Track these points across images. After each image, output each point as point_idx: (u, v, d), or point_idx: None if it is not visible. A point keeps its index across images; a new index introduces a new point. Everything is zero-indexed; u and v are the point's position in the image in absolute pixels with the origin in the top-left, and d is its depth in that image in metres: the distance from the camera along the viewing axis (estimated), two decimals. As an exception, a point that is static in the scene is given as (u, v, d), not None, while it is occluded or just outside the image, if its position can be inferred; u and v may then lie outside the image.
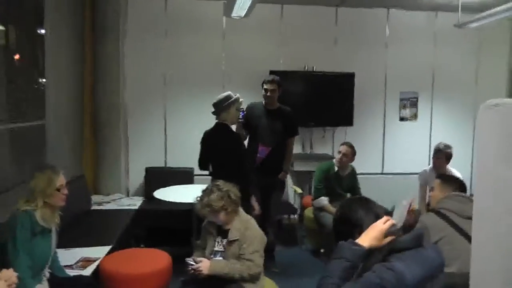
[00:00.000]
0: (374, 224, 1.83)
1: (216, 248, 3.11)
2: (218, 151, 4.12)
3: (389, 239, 1.81)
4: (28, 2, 4.21)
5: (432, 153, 6.57)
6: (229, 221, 3.05)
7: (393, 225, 1.83)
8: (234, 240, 2.99)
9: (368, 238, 1.79)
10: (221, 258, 3.06)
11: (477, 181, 1.57)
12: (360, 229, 1.87)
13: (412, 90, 6.85)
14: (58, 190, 2.81)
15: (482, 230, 1.47)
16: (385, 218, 1.86)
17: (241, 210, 3.14)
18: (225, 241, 3.07)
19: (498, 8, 5.00)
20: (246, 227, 3.02)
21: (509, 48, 7.03)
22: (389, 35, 6.72)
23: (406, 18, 6.70)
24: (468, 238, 2.49)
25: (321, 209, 4.90)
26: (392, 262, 1.73)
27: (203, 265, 2.91)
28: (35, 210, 2.71)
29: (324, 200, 4.87)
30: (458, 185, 3.01)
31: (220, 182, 3.12)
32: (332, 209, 4.80)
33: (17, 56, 3.99)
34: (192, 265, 2.91)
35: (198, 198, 3.08)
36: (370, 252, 1.80)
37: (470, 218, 2.49)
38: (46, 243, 2.85)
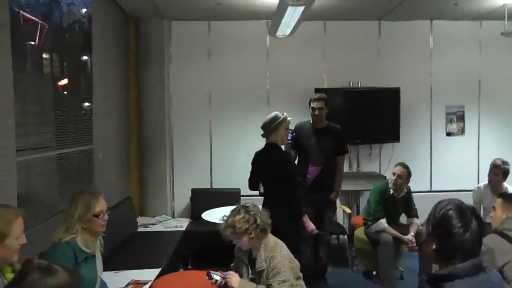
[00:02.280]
0: None
1: (250, 276, 3.00)
2: (269, 171, 4.07)
3: None
4: (77, 31, 4.32)
5: (480, 169, 6.52)
6: (253, 247, 2.93)
7: None
8: (262, 270, 2.86)
9: None
10: None
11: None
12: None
13: (458, 103, 6.64)
14: (97, 216, 2.68)
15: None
16: None
17: (268, 237, 2.98)
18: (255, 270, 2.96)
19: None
20: (271, 256, 2.85)
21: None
22: (433, 46, 6.57)
23: (450, 28, 6.54)
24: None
25: (379, 231, 4.75)
26: None
27: (232, 277, 2.84)
28: (75, 237, 2.60)
29: (383, 223, 4.71)
30: None
31: (250, 205, 2.99)
32: (393, 231, 4.67)
33: (65, 83, 4.06)
34: (215, 279, 2.84)
35: (224, 217, 2.97)
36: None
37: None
38: (92, 269, 2.73)
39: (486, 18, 6.33)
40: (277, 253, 2.87)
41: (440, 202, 1.84)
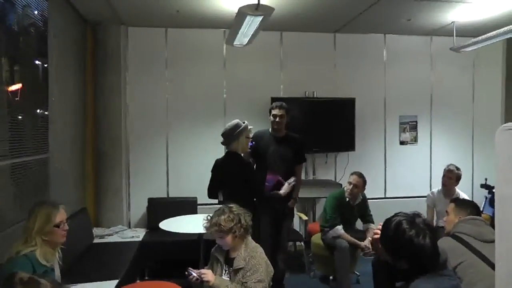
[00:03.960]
0: None
1: (224, 277, 3.06)
2: (230, 180, 4.09)
3: None
4: (32, 34, 4.20)
5: (433, 175, 6.82)
6: (235, 246, 3.01)
7: None
8: (239, 269, 2.94)
9: None
10: None
11: (497, 202, 1.61)
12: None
13: (411, 113, 6.91)
14: (58, 226, 2.63)
15: (505, 252, 1.52)
16: None
17: (249, 239, 3.09)
18: (231, 269, 3.02)
19: (492, 33, 5.16)
20: (251, 256, 2.96)
21: (502, 65, 7.16)
22: (387, 59, 6.80)
23: (403, 42, 6.81)
24: (488, 262, 2.46)
25: (336, 237, 4.84)
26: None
27: (207, 273, 2.91)
28: (34, 250, 2.52)
29: (340, 230, 4.81)
30: (473, 208, 2.99)
31: (233, 205, 3.09)
32: (350, 237, 4.78)
33: (19, 88, 3.92)
34: (193, 276, 2.89)
35: (208, 217, 3.06)
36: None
37: (488, 241, 2.53)
38: None
39: (437, 34, 6.63)
40: (257, 254, 2.98)
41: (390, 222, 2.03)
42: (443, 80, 6.93)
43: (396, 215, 2.07)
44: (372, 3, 5.07)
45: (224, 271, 3.08)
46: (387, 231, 2.04)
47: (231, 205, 3.09)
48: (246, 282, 2.87)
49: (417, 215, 2.04)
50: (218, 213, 3.01)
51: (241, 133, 4.09)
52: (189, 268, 2.96)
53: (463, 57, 6.63)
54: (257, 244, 3.10)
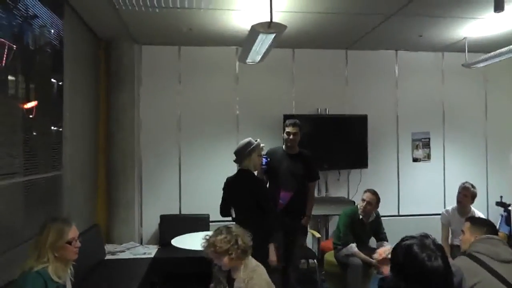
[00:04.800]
0: None
1: None
2: (242, 198, 4.08)
3: None
4: (48, 53, 4.26)
5: (446, 193, 6.73)
6: (233, 267, 2.95)
7: None
8: None
9: None
10: None
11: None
12: None
13: (423, 129, 6.85)
14: (70, 243, 2.62)
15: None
16: None
17: (249, 259, 3.00)
18: None
19: (505, 49, 5.13)
20: (251, 277, 2.87)
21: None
22: (399, 75, 6.79)
23: (414, 58, 6.79)
24: (505, 282, 2.42)
25: (349, 255, 4.80)
26: None
27: None
28: (46, 266, 2.52)
29: (354, 247, 4.77)
30: (489, 227, 2.94)
31: (233, 226, 3.04)
32: (363, 255, 4.73)
33: (35, 106, 3.95)
34: None
35: (207, 236, 3.00)
36: None
37: (505, 261, 2.48)
38: None
39: (448, 50, 6.62)
40: (256, 275, 2.89)
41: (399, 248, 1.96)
42: (455, 96, 6.89)
43: (403, 239, 2.00)
44: (383, 19, 5.08)
45: None
46: (397, 258, 1.97)
47: (230, 226, 3.03)
48: None
49: (426, 236, 1.97)
50: (216, 233, 2.95)
51: (253, 151, 4.08)
52: None
53: (475, 72, 6.61)
54: (258, 263, 3.02)
